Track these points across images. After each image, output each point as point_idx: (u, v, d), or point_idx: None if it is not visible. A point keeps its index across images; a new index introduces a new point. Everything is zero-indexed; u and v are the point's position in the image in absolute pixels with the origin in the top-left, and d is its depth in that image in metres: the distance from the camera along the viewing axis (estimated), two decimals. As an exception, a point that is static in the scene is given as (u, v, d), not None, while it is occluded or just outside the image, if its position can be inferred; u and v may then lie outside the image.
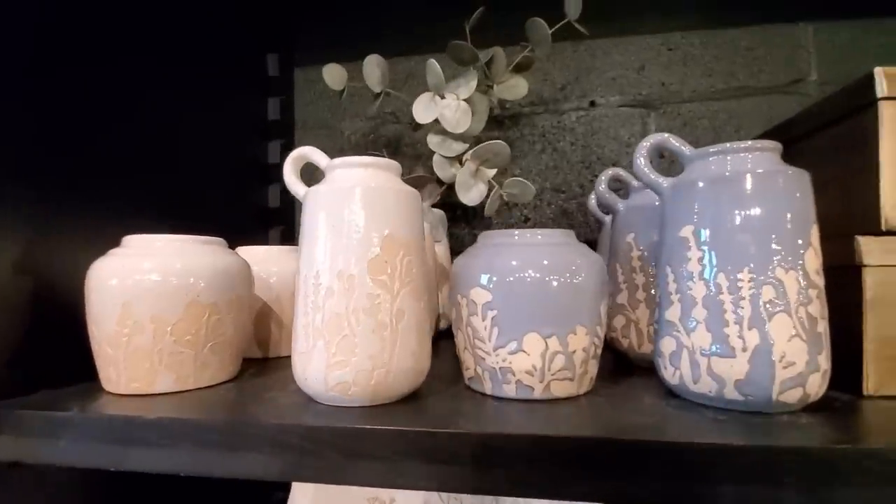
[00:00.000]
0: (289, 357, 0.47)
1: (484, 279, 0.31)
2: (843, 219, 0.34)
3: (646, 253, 0.40)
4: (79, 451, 0.30)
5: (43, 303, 0.37)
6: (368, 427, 0.26)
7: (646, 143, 0.33)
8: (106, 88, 0.44)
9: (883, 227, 0.31)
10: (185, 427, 0.28)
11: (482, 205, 0.52)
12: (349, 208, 0.30)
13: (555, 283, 0.31)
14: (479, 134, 0.54)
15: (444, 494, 0.46)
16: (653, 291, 0.39)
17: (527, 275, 0.31)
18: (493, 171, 0.52)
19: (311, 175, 0.33)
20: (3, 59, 0.36)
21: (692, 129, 0.65)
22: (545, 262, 0.31)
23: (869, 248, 0.31)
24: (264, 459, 0.27)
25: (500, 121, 0.68)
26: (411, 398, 0.32)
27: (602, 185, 0.43)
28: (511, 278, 0.31)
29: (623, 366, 0.41)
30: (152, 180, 0.49)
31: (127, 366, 0.33)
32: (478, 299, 0.32)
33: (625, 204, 0.42)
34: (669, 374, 0.31)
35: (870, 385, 0.31)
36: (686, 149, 0.32)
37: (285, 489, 0.54)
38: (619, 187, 0.46)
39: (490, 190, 0.51)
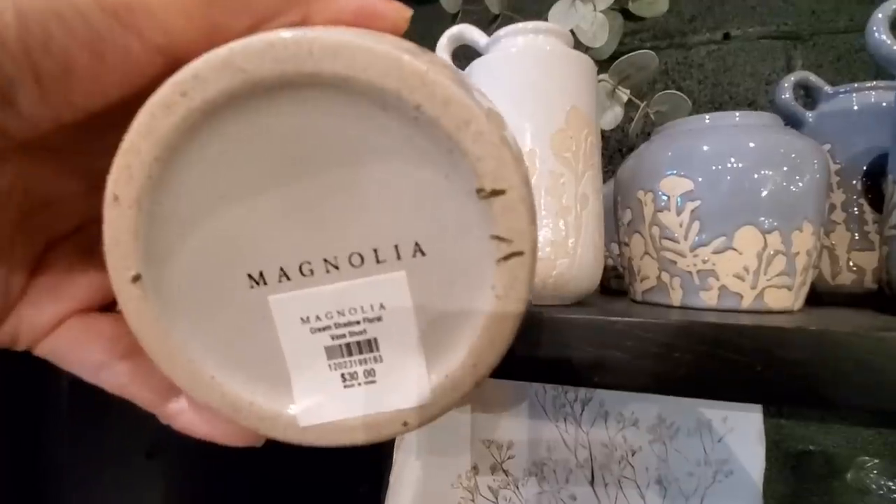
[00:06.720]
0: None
1: (679, 165, 0.26)
2: None
3: (844, 165, 0.33)
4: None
5: None
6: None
7: (883, 12, 0.27)
8: None
9: None
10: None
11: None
12: (526, 73, 0.26)
13: (776, 166, 0.25)
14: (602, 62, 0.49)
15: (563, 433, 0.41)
16: (855, 210, 0.33)
17: (737, 159, 0.25)
18: (626, 93, 0.46)
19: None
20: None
21: (848, 64, 0.56)
22: (752, 145, 0.26)
23: None
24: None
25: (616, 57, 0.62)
26: (582, 306, 0.27)
27: (786, 93, 0.36)
28: (717, 162, 0.26)
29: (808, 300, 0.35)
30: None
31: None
32: (672, 190, 0.26)
33: (814, 113, 0.36)
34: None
35: None
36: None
37: (371, 481, 0.49)
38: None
39: (626, 110, 0.45)
